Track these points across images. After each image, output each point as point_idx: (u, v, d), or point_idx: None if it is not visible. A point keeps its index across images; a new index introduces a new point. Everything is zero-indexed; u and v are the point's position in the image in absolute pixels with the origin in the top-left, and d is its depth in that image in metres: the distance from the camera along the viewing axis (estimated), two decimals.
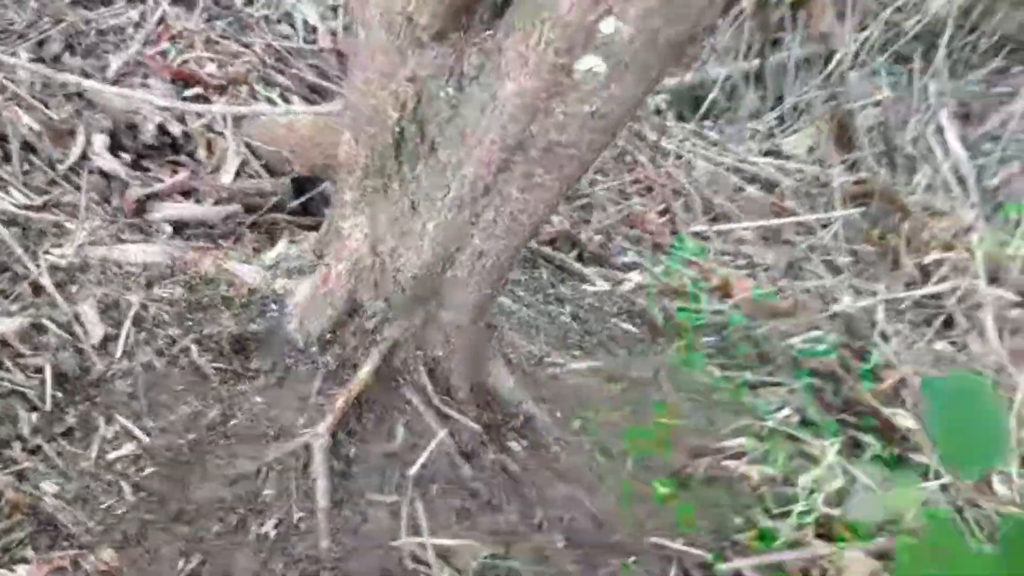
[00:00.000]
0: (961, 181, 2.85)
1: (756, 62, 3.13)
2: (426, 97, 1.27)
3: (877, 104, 3.01)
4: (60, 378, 1.27)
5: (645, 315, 2.22)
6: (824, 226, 2.82)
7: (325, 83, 2.34)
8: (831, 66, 3.08)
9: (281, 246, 1.60)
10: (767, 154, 3.02)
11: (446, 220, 1.35)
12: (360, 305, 1.51)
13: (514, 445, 1.64)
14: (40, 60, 1.97)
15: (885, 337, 2.35)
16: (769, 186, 2.94)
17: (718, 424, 1.92)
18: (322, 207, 1.78)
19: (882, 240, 2.81)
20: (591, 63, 1.08)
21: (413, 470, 1.31)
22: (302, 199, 1.79)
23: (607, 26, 1.05)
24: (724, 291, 2.47)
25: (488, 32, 1.21)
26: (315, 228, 1.77)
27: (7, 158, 1.68)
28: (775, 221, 2.78)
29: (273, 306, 1.50)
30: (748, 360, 2.21)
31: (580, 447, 1.68)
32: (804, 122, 3.07)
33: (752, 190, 2.92)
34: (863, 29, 3.12)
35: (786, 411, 2.04)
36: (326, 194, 1.78)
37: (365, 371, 1.47)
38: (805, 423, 2.03)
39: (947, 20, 3.10)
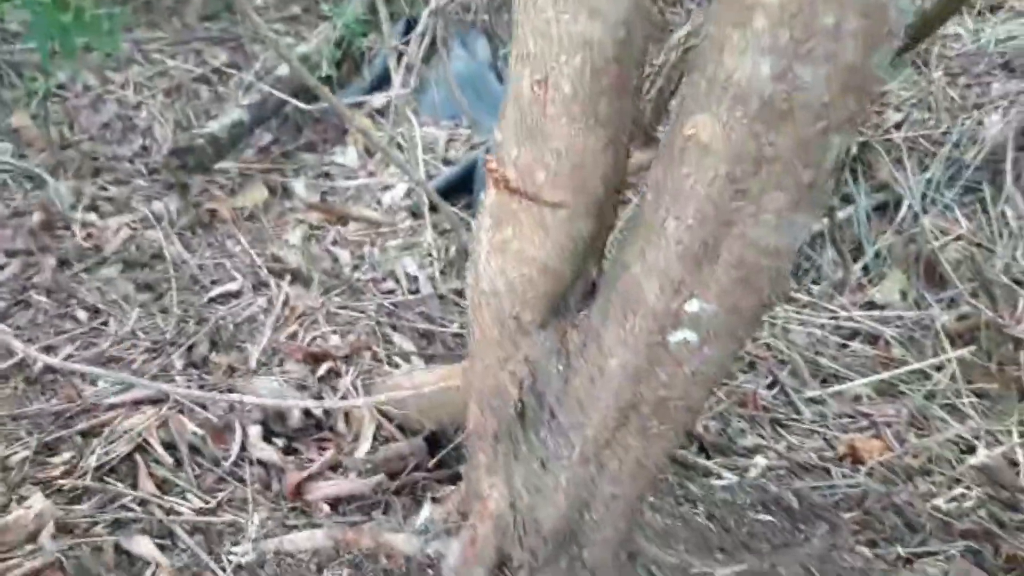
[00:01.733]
0: None
1: (826, 220, 3.23)
2: (540, 374, 1.42)
3: (958, 238, 3.04)
4: None
5: (780, 501, 2.23)
6: (938, 369, 2.80)
7: (431, 326, 2.56)
8: (902, 211, 3.16)
9: (426, 510, 1.73)
10: (862, 307, 3.05)
11: (575, 474, 1.46)
12: (508, 559, 1.60)
13: None
14: (192, 364, 2.25)
15: None
16: (871, 338, 2.96)
17: None
18: (454, 460, 1.92)
19: (1002, 373, 2.76)
20: (683, 336, 1.21)
21: None
22: (437, 456, 1.93)
23: (691, 306, 1.19)
24: (853, 457, 2.46)
25: (583, 313, 1.37)
26: (452, 481, 1.91)
27: (179, 464, 1.90)
28: (887, 374, 2.77)
29: (430, 572, 1.61)
30: (895, 531, 2.17)
31: None
32: (889, 268, 3.11)
33: (856, 345, 2.94)
34: (925, 170, 3.21)
35: None
36: (457, 447, 1.92)
37: None
38: None
39: (1006, 144, 3.16)
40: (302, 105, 2.37)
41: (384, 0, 3.27)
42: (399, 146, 3.38)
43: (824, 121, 1.04)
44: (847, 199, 3.32)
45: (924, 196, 3.19)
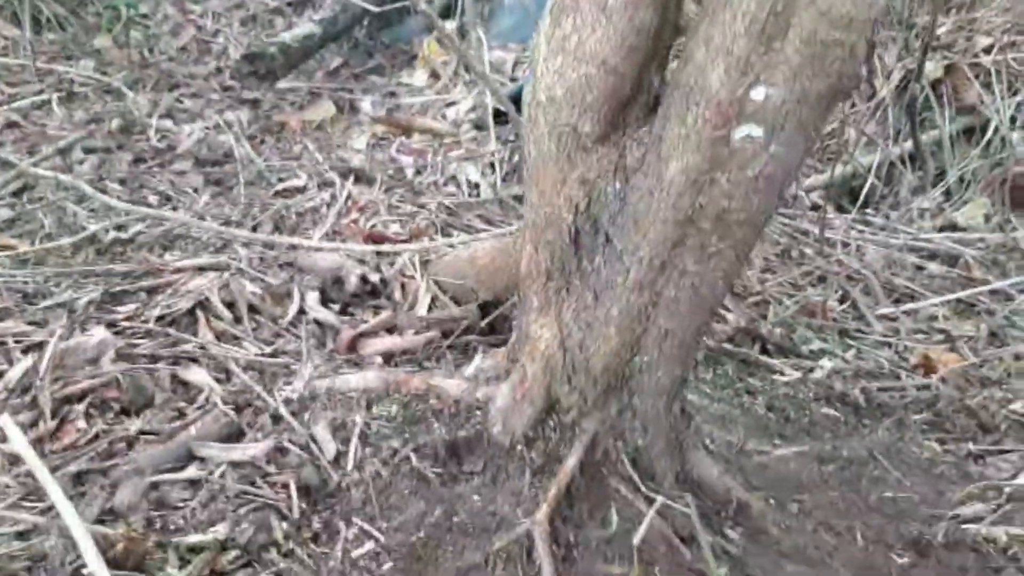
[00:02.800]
0: None
1: (908, 143, 3.10)
2: (596, 195, 1.38)
3: None
4: (303, 491, 1.40)
5: (845, 398, 2.14)
6: (1022, 290, 2.65)
7: (490, 228, 2.54)
8: (988, 134, 3.00)
9: (477, 360, 1.72)
10: (941, 230, 2.92)
11: (628, 303, 1.42)
12: (557, 401, 1.57)
13: (731, 532, 1.60)
14: (257, 243, 2.28)
15: None
16: (951, 260, 2.82)
17: (948, 495, 1.78)
18: (505, 326, 1.90)
19: None
20: (747, 130, 1.16)
21: (637, 539, 1.31)
22: (488, 320, 1.92)
23: (757, 94, 1.13)
24: (927, 367, 2.35)
25: (645, 129, 1.33)
26: (503, 344, 1.89)
27: (238, 319, 1.93)
28: (966, 292, 2.64)
29: (478, 413, 1.60)
30: (967, 431, 2.06)
31: (802, 529, 1.61)
32: (973, 192, 2.97)
33: (933, 267, 2.81)
34: (1015, 94, 3.04)
35: (1023, 477, 1.87)
36: (506, 315, 1.90)
37: (570, 463, 1.51)
38: None
39: None
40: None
41: None
42: (467, 68, 3.38)
43: None
44: (932, 124, 3.18)
45: (1013, 120, 3.03)
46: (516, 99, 3.05)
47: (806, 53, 1.10)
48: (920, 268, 2.82)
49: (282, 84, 3.40)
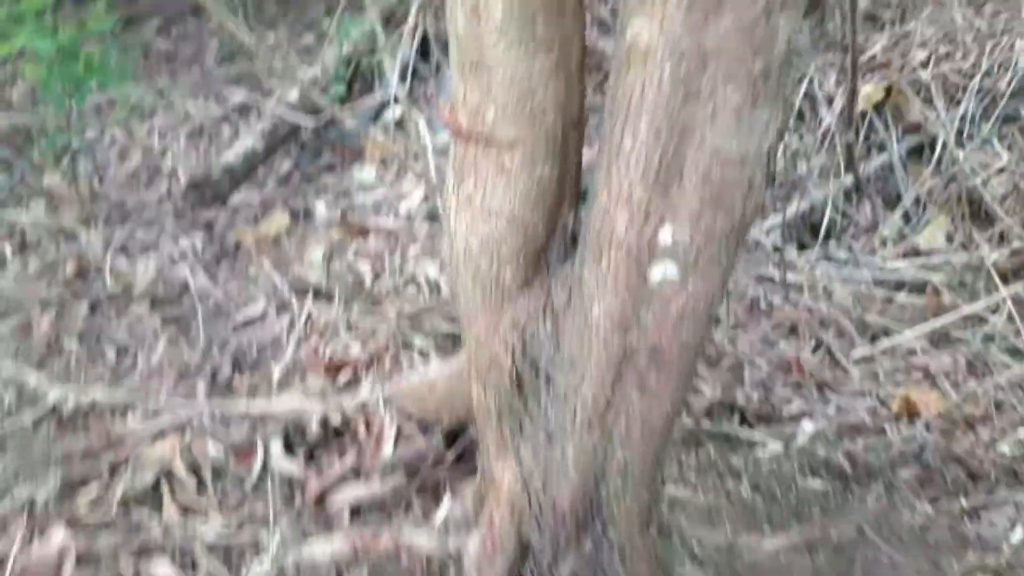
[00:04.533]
0: None
1: (863, 169, 3.09)
2: (530, 338, 1.36)
3: (1000, 171, 2.87)
4: None
5: (830, 465, 2.11)
6: (994, 311, 2.63)
7: (455, 329, 2.51)
8: (938, 150, 2.99)
9: (446, 504, 1.69)
10: (905, 256, 2.90)
11: (581, 442, 1.39)
12: (529, 544, 1.54)
13: None
14: (215, 390, 2.25)
15: None
16: (919, 288, 2.80)
17: (945, 568, 1.75)
18: (473, 451, 1.87)
19: None
20: (662, 271, 1.14)
21: None
22: (455, 448, 1.89)
23: (664, 236, 1.11)
24: (910, 412, 2.32)
25: (567, 264, 1.31)
26: (473, 472, 1.86)
27: (202, 484, 1.90)
28: (939, 321, 2.62)
29: (451, 569, 1.56)
30: (957, 483, 2.03)
31: None
32: (931, 213, 2.95)
33: (903, 297, 2.79)
34: (957, 105, 3.04)
35: (1019, 531, 1.84)
36: (474, 441, 1.87)
37: None
38: None
39: None
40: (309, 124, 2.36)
41: (383, 23, 3.29)
42: (415, 155, 3.38)
43: (762, 1, 0.96)
44: (880, 147, 3.17)
45: (960, 132, 3.02)
46: None
47: (704, 194, 1.09)
48: (889, 300, 2.79)
49: (235, 199, 3.38)
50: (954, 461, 2.08)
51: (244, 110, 4.11)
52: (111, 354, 2.48)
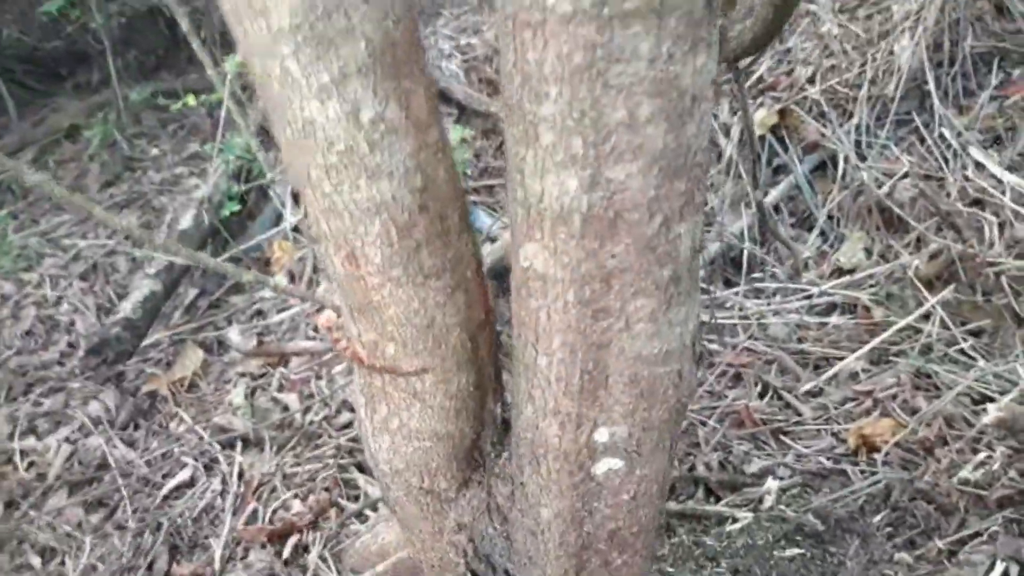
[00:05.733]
0: None
1: (773, 195, 3.09)
2: (479, 537, 1.26)
3: (905, 176, 2.90)
4: None
5: (803, 528, 2.06)
6: (926, 318, 2.64)
7: None
8: (840, 166, 3.02)
9: None
10: (830, 276, 2.90)
11: None
12: None
13: None
14: None
15: None
16: (850, 308, 2.80)
17: None
18: None
19: (989, 303, 2.60)
20: (606, 465, 1.07)
21: None
22: None
23: (601, 436, 1.04)
24: (868, 446, 2.30)
25: (504, 455, 1.22)
26: None
27: None
28: (875, 341, 2.62)
29: None
30: (929, 521, 2.01)
31: None
32: (847, 228, 2.97)
33: (836, 319, 2.79)
34: (850, 117, 3.07)
35: (999, 567, 1.81)
36: None
37: None
38: None
39: (923, 66, 3.03)
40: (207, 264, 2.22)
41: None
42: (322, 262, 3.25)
43: (660, 215, 0.90)
44: (782, 170, 3.19)
45: (858, 144, 3.05)
46: None
47: (635, 393, 1.01)
48: (823, 325, 2.79)
49: (143, 342, 3.20)
50: (921, 497, 2.06)
51: (135, 239, 3.92)
52: (36, 561, 2.28)
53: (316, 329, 3.05)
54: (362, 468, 2.34)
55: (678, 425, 1.10)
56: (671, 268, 0.94)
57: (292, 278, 3.36)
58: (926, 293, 2.66)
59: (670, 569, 2.03)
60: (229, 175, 3.65)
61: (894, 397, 2.44)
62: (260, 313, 3.29)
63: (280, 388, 2.80)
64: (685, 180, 0.89)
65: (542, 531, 1.17)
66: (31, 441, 2.81)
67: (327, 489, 2.22)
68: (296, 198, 3.36)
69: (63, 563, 2.24)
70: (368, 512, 2.11)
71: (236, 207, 3.51)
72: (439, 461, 1.18)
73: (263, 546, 2.07)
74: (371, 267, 1.00)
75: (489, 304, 1.15)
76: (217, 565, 2.06)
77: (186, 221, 3.47)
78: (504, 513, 1.24)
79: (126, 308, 2.91)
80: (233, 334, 3.15)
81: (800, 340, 2.75)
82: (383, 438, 1.18)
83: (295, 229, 3.54)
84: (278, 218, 3.62)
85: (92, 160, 4.66)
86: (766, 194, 3.03)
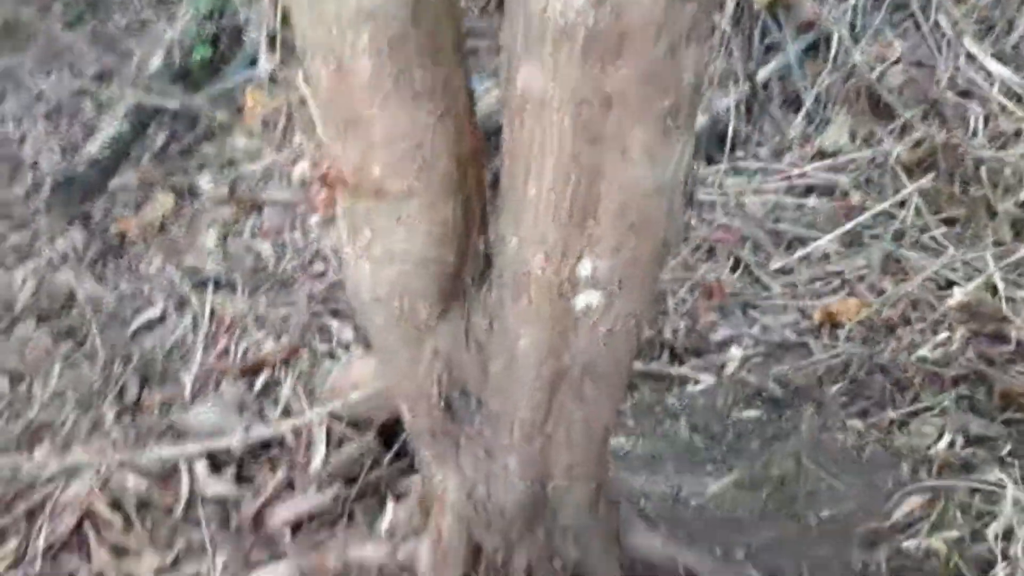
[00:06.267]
0: (1017, 98, 2.66)
1: (763, 73, 3.04)
2: (455, 365, 1.28)
3: (897, 62, 2.86)
4: None
5: (762, 393, 2.13)
6: (901, 205, 2.66)
7: None
8: (833, 47, 2.96)
9: (390, 511, 1.63)
10: (812, 159, 2.90)
11: (523, 454, 1.34)
12: (480, 546, 1.51)
13: None
14: (125, 410, 2.12)
15: (1015, 306, 2.17)
16: (829, 190, 2.81)
17: (881, 487, 1.80)
18: (411, 449, 1.81)
19: (966, 194, 2.63)
20: (586, 299, 1.07)
21: None
22: (394, 448, 1.82)
23: (584, 269, 1.04)
24: (831, 322, 2.36)
25: (484, 288, 1.22)
26: (414, 469, 1.80)
27: (129, 523, 1.80)
28: (849, 224, 2.64)
29: None
30: (885, 394, 2.08)
31: None
32: (833, 111, 2.94)
33: (813, 201, 2.80)
34: None
35: (946, 438, 1.90)
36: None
37: None
38: (971, 441, 1.89)
39: None
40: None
41: None
42: (297, 111, 3.16)
43: (666, 38, 0.87)
44: (775, 48, 3.12)
45: (853, 26, 2.99)
46: None
47: (622, 226, 1.01)
48: (801, 206, 2.80)
49: (111, 183, 3.12)
50: (879, 371, 2.13)
51: (104, 78, 3.76)
52: (3, 384, 2.29)
53: (290, 179, 2.99)
54: (336, 314, 2.35)
55: (661, 264, 1.10)
56: (672, 97, 0.91)
57: (266, 127, 3.26)
58: (905, 180, 2.67)
59: (629, 422, 2.10)
60: (199, 18, 3.47)
61: (862, 279, 2.49)
62: (232, 163, 3.21)
63: (253, 236, 2.77)
64: (695, 2, 0.85)
65: (517, 361, 1.18)
66: None
67: (300, 332, 2.24)
68: (272, 41, 3.23)
69: (31, 387, 2.25)
70: (340, 352, 2.13)
71: (207, 51, 3.36)
72: (420, 287, 1.18)
73: (235, 379, 2.09)
74: (360, 80, 0.96)
75: (478, 137, 1.13)
76: (188, 395, 2.08)
77: (155, 64, 3.33)
78: (482, 343, 1.25)
79: (91, 148, 2.82)
80: (204, 181, 3.08)
81: (776, 220, 2.77)
82: (365, 265, 1.17)
83: (271, 78, 3.42)
84: (252, 62, 3.48)
85: None
86: (757, 72, 2.98)
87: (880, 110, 2.88)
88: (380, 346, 1.31)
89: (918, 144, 2.74)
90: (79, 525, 1.80)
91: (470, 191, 1.11)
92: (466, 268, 1.22)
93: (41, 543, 1.75)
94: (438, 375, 1.30)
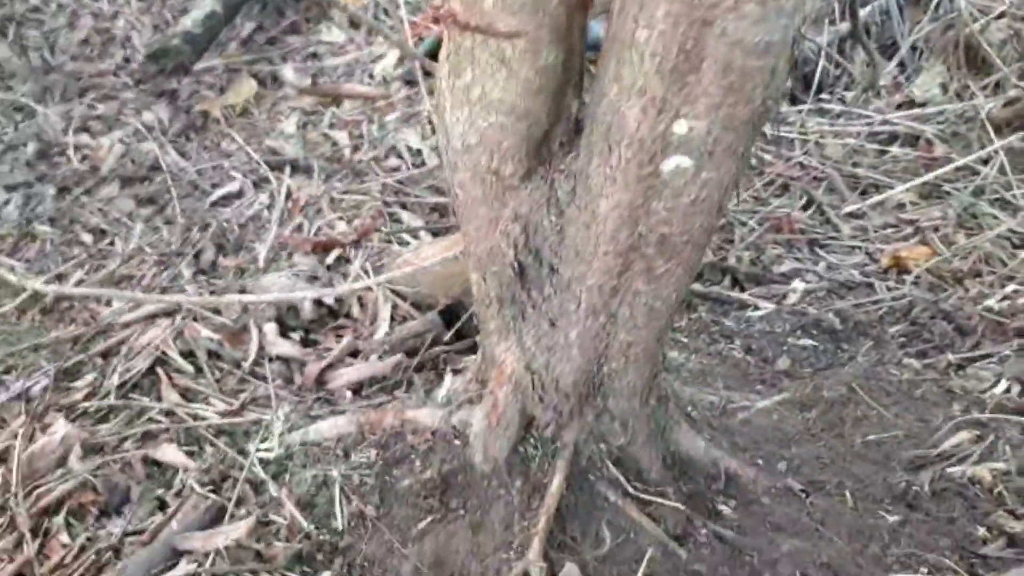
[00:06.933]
0: None
1: (862, 14, 2.96)
2: (533, 229, 1.31)
3: (1001, 16, 2.76)
4: (296, 558, 1.40)
5: (821, 324, 2.13)
6: (985, 163, 2.60)
7: (441, 199, 2.46)
8: None
9: (448, 382, 1.69)
10: (899, 107, 2.83)
11: (585, 327, 1.38)
12: (533, 419, 1.56)
13: (724, 508, 1.61)
14: (201, 271, 2.21)
15: None
16: (912, 140, 2.75)
17: (931, 422, 1.80)
18: (472, 330, 1.86)
19: None
20: (676, 162, 1.09)
21: None
22: (454, 328, 1.87)
23: (680, 128, 1.05)
24: (899, 267, 2.33)
25: (571, 154, 1.25)
26: (472, 351, 1.86)
27: (199, 370, 1.89)
28: (930, 175, 2.59)
29: (456, 442, 1.58)
30: (945, 338, 2.07)
31: (791, 492, 1.63)
32: (927, 61, 2.86)
33: (895, 150, 2.75)
34: None
35: (1003, 384, 1.89)
36: (473, 316, 1.85)
37: (556, 483, 1.50)
38: None
39: None
40: None
41: None
42: (385, 11, 3.18)
43: None
44: None
45: None
46: (433, 54, 2.90)
47: (724, 84, 1.02)
48: (882, 153, 2.75)
49: (198, 65, 3.20)
50: (942, 317, 2.11)
51: None
52: (87, 238, 2.40)
53: (372, 76, 3.03)
54: (405, 207, 2.40)
55: (756, 130, 1.11)
56: None
57: (354, 25, 3.30)
58: (993, 136, 2.60)
59: (684, 339, 2.12)
60: None
61: (936, 229, 2.45)
62: (315, 56, 3.26)
63: (331, 126, 2.82)
64: None
65: (597, 224, 1.21)
66: (85, 138, 2.88)
67: (372, 217, 2.29)
68: None
69: (112, 243, 2.35)
70: (409, 239, 2.18)
71: None
72: (511, 142, 1.21)
73: (307, 254, 2.16)
74: None
75: None
76: (261, 263, 2.16)
77: None
78: (562, 207, 1.28)
79: (187, 23, 2.88)
80: (288, 71, 3.14)
81: (855, 164, 2.73)
82: (463, 110, 1.20)
83: None
84: None
85: None
86: (858, 9, 2.90)
87: (976, 64, 2.79)
88: (462, 202, 1.35)
89: (1011, 103, 2.66)
90: (151, 369, 1.89)
91: (573, 43, 1.13)
92: (556, 130, 1.24)
93: (115, 380, 1.85)
94: (515, 237, 1.34)
